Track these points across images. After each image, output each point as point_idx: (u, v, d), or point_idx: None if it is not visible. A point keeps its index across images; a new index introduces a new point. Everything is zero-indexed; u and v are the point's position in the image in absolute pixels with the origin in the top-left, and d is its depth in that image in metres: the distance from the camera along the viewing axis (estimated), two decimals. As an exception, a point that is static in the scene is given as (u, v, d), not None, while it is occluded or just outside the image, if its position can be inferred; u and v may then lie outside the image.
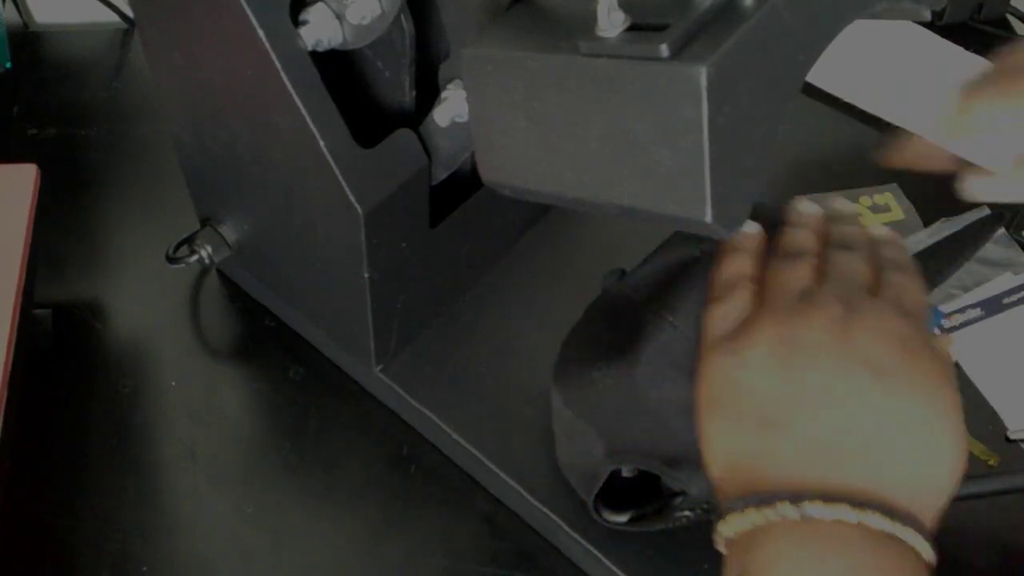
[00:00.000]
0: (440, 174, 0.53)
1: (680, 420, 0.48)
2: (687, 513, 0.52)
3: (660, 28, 0.35)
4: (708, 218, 0.37)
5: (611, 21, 0.36)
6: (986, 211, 0.77)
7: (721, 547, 0.39)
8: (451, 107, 0.51)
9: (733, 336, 0.42)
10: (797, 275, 0.42)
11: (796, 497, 0.36)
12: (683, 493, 0.51)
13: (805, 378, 0.39)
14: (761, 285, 0.43)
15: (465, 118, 0.51)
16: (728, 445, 0.40)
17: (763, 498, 0.37)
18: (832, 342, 0.39)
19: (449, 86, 0.51)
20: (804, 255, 0.43)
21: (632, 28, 0.36)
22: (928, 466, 0.37)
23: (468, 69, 0.42)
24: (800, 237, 0.45)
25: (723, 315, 0.43)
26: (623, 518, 0.54)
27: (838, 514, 0.35)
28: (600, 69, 0.37)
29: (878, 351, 0.38)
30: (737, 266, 0.44)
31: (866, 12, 0.40)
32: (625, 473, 0.53)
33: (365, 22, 0.49)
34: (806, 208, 0.47)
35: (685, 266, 0.50)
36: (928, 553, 0.37)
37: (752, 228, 0.45)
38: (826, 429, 0.38)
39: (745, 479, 0.39)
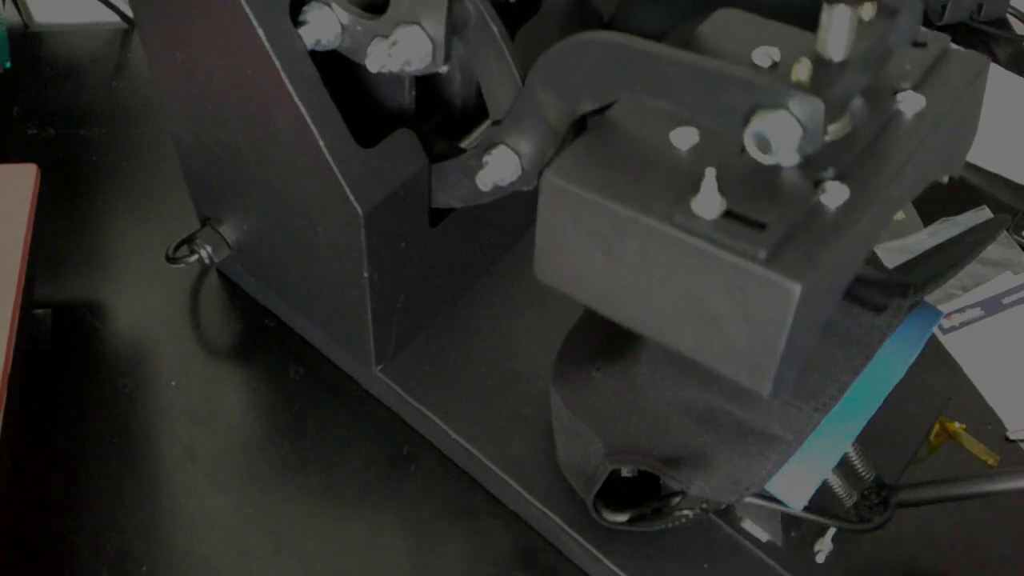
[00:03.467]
0: (451, 204, 0.54)
1: (679, 419, 0.48)
2: (687, 512, 0.52)
3: (757, 225, 0.36)
4: (766, 392, 0.39)
5: (710, 201, 0.37)
6: (986, 210, 0.77)
7: None
8: (494, 173, 0.49)
9: None
10: None
11: None
12: (682, 493, 0.51)
13: None
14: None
15: (506, 183, 0.49)
16: None
17: None
18: None
19: (494, 151, 0.49)
20: None
21: (728, 214, 0.37)
22: None
23: (547, 193, 0.41)
24: None
25: None
26: (623, 518, 0.54)
27: None
28: (692, 246, 0.37)
29: None
30: None
31: (914, 196, 0.43)
32: (625, 473, 0.53)
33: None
34: None
35: None
36: None
37: None
38: None
39: None
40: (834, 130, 0.39)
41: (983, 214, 0.76)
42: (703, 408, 0.48)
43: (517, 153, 0.48)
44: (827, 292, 0.38)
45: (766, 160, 0.37)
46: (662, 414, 0.48)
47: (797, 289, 0.35)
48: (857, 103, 0.40)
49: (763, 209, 0.37)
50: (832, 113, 0.36)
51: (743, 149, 0.38)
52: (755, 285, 0.36)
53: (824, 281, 0.37)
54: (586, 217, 0.40)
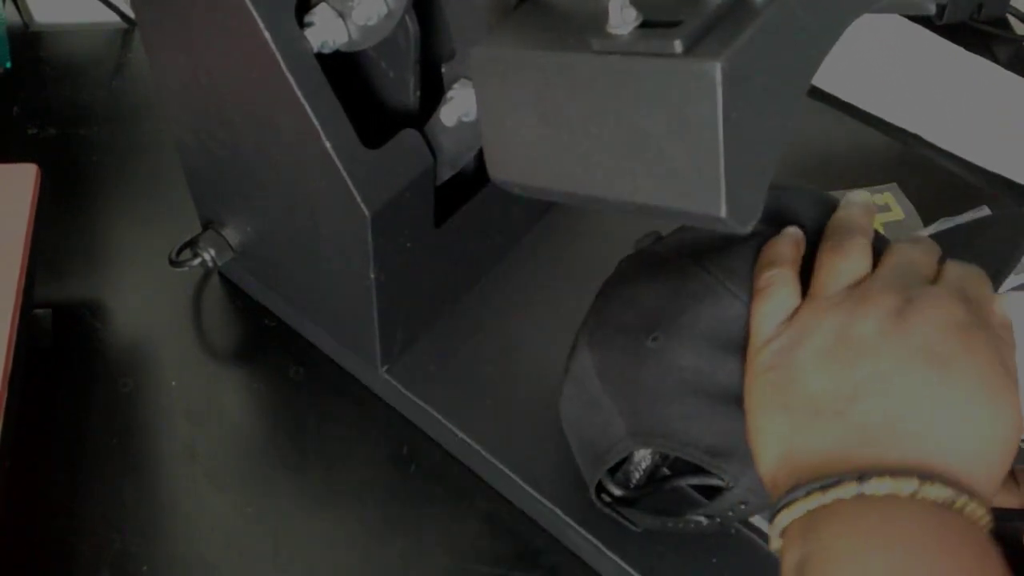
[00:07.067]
0: (445, 173, 0.54)
1: (729, 407, 0.46)
2: (700, 519, 0.51)
3: (673, 25, 0.36)
4: (723, 213, 0.37)
5: (623, 18, 0.36)
6: (986, 210, 0.77)
7: (775, 542, 0.40)
8: (457, 106, 0.51)
9: (782, 331, 0.42)
10: (850, 263, 0.43)
11: (862, 475, 0.37)
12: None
13: (859, 370, 0.39)
14: (807, 272, 0.44)
15: (471, 117, 0.51)
16: (781, 439, 0.40)
17: (827, 481, 0.37)
18: (887, 334, 0.39)
19: (455, 85, 0.51)
20: (855, 240, 0.44)
21: (644, 25, 0.37)
22: (981, 445, 0.38)
23: (477, 68, 0.42)
24: (854, 218, 0.45)
25: (770, 311, 0.43)
26: (623, 493, 0.53)
27: (905, 487, 0.36)
28: (613, 66, 0.37)
29: (935, 339, 0.39)
30: (778, 252, 0.45)
31: (874, 6, 0.41)
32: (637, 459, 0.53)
33: (371, 23, 0.49)
34: (857, 197, 0.47)
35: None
36: (987, 520, 0.37)
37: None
38: (882, 416, 0.38)
39: (799, 468, 0.39)
40: None
41: (983, 214, 0.77)
42: None
43: None
44: (767, 85, 0.36)
45: None
46: (715, 399, 0.46)
47: (716, 69, 0.34)
48: None
49: (679, 11, 0.36)
50: None
51: None
52: (678, 84, 0.35)
53: (754, 68, 0.35)
54: (515, 80, 0.40)
